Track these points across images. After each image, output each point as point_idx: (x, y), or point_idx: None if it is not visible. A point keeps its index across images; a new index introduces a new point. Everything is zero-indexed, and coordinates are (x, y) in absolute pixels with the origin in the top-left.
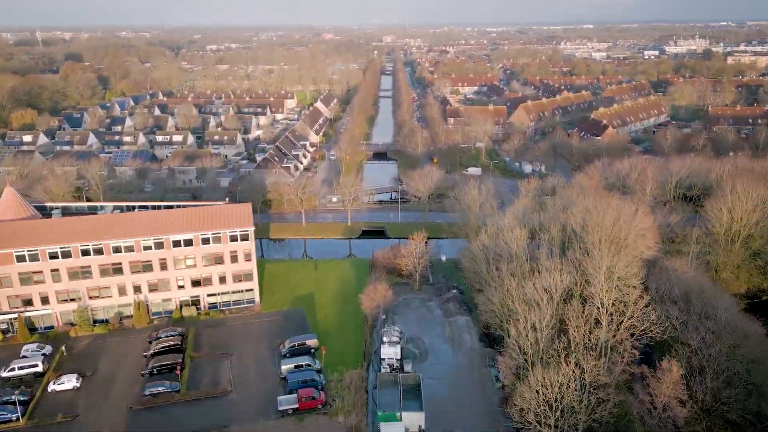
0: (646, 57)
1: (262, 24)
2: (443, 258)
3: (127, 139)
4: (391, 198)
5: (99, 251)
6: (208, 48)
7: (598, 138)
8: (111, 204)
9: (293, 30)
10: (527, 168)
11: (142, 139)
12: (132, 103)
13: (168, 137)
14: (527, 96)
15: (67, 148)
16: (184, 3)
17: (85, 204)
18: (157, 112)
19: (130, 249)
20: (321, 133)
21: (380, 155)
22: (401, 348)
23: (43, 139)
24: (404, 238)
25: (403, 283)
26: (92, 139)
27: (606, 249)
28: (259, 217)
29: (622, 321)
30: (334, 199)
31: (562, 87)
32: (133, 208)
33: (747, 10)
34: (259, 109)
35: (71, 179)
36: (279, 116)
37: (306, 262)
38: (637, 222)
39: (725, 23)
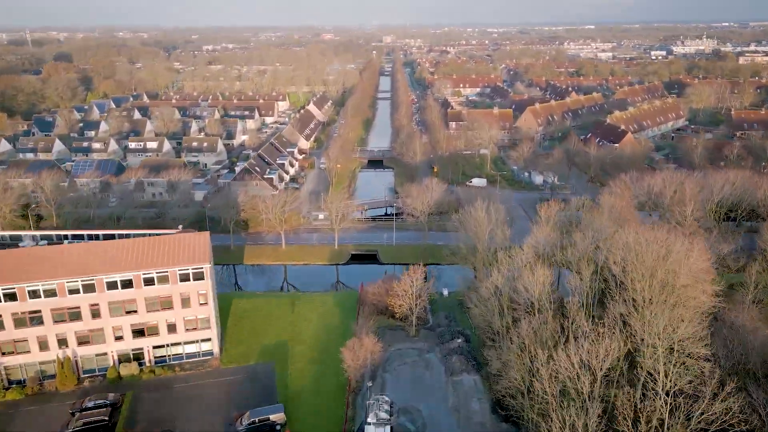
0: (654, 57)
1: (263, 25)
2: (445, 292)
3: (96, 146)
4: (386, 213)
5: (12, 296)
6: (205, 48)
7: (616, 145)
8: (38, 233)
9: (293, 30)
10: (538, 179)
11: (113, 146)
12: (113, 105)
13: (142, 144)
14: (533, 98)
15: (30, 156)
16: (185, 3)
17: (8, 233)
18: (137, 115)
19: (52, 293)
20: (312, 139)
21: (376, 163)
22: (391, 428)
23: (5, 145)
24: (399, 264)
25: (397, 327)
26: (59, 146)
27: (657, 301)
28: (233, 238)
29: (692, 411)
30: (321, 216)
31: (570, 88)
32: (65, 238)
33: (747, 10)
34: (247, 112)
35: (23, 193)
36: (269, 119)
37: (282, 297)
38: (692, 261)
39: (727, 24)
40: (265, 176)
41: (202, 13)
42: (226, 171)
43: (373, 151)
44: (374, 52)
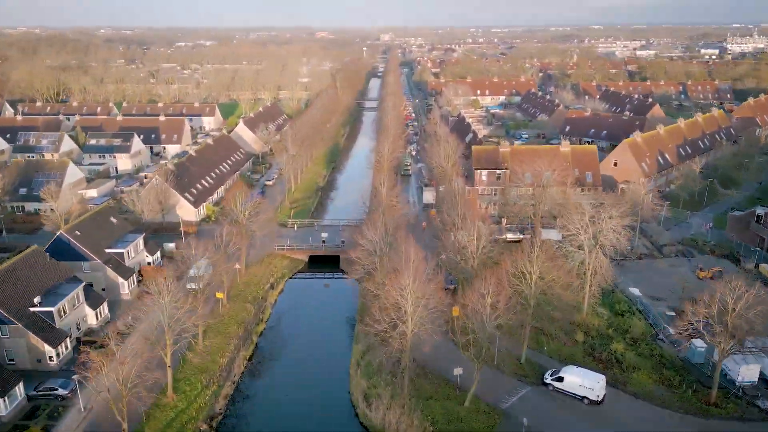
0: (707, 57)
1: (266, 26)
2: None
3: None
4: None
5: None
6: (176, 45)
7: None
8: None
9: (290, 31)
10: (734, 370)
11: None
12: None
13: None
14: (600, 115)
15: None
16: (189, 5)
17: None
18: None
19: None
20: (219, 192)
21: (327, 260)
22: None
23: None
24: None
25: None
26: None
27: None
28: None
29: None
30: None
31: (649, 97)
32: None
33: (752, 12)
34: (119, 141)
35: None
36: (174, 148)
37: None
38: None
39: (738, 25)
40: None
41: (208, 16)
42: None
43: (324, 235)
44: (365, 49)
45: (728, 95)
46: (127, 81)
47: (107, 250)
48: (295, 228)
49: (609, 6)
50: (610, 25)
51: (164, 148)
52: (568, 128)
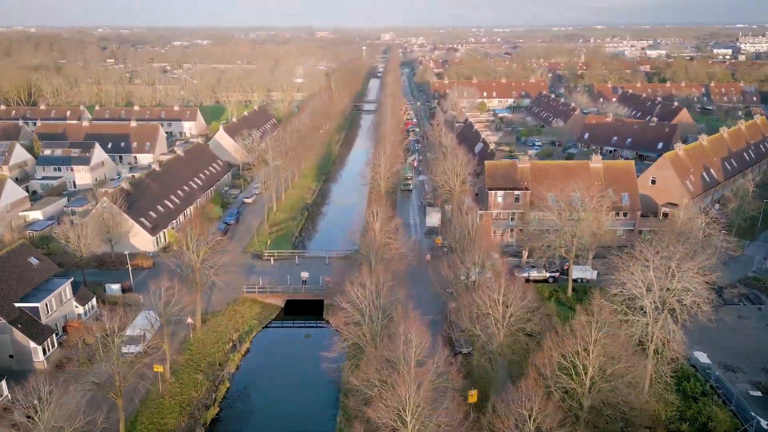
0: (722, 58)
1: (267, 26)
2: None
3: None
4: None
5: None
6: (171, 44)
7: None
8: None
9: (290, 31)
10: None
11: None
12: None
13: None
14: (623, 120)
15: None
16: (189, 5)
17: None
18: None
19: None
20: (184, 218)
21: (306, 305)
22: None
23: None
24: None
25: None
26: None
27: None
28: None
29: None
30: None
31: (674, 101)
32: None
33: (752, 12)
34: (77, 152)
35: None
36: (146, 158)
37: None
38: None
39: (741, 25)
40: None
41: (208, 16)
42: None
43: (305, 274)
44: (365, 48)
45: (754, 98)
46: (104, 82)
47: (17, 304)
48: (272, 261)
49: (609, 6)
50: (611, 24)
51: (135, 158)
52: (587, 135)
